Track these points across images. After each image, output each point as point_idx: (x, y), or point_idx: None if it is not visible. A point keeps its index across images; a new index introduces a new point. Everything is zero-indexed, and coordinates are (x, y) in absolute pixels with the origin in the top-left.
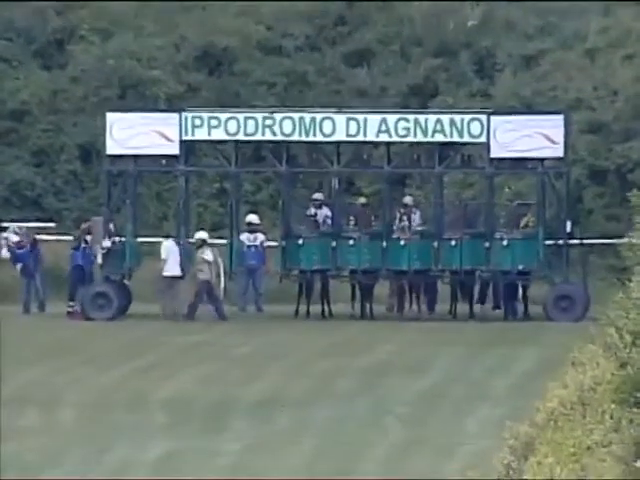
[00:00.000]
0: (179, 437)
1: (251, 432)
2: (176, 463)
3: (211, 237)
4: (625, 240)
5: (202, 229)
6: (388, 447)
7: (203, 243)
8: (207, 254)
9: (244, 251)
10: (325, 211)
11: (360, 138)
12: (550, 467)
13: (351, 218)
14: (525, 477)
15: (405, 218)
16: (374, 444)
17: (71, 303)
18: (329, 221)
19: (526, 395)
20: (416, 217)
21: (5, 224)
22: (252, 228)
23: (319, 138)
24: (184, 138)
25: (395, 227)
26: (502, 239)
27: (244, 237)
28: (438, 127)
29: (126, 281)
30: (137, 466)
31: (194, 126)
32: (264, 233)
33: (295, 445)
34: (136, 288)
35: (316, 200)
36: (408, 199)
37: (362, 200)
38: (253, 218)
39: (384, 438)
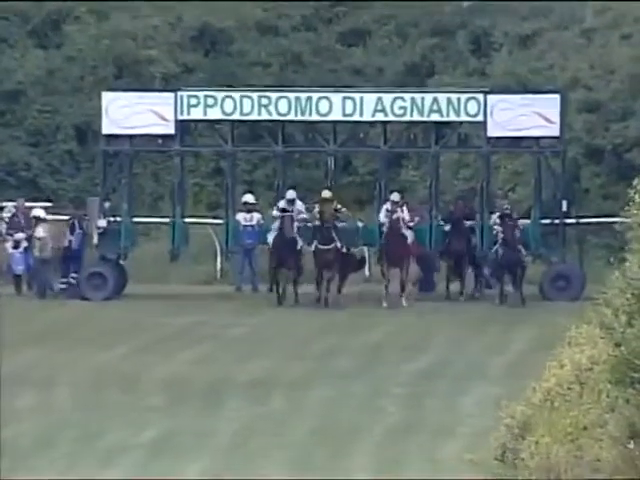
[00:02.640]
0: (175, 417)
1: (247, 412)
2: (172, 443)
3: (207, 217)
4: (627, 220)
5: (41, 208)
6: (385, 428)
7: (38, 220)
8: (39, 232)
9: (240, 231)
10: (299, 206)
11: (356, 118)
12: (547, 447)
13: (316, 211)
14: (522, 456)
15: (395, 215)
16: (371, 425)
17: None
18: (303, 216)
19: (523, 375)
20: (405, 214)
21: (3, 204)
22: (248, 208)
23: (315, 118)
24: (180, 117)
25: (382, 219)
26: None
27: (240, 217)
28: (435, 106)
29: (122, 261)
30: (133, 446)
31: (190, 105)
32: (260, 213)
33: (291, 425)
34: (132, 268)
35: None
36: (395, 196)
37: (326, 194)
38: (249, 198)
39: (381, 419)
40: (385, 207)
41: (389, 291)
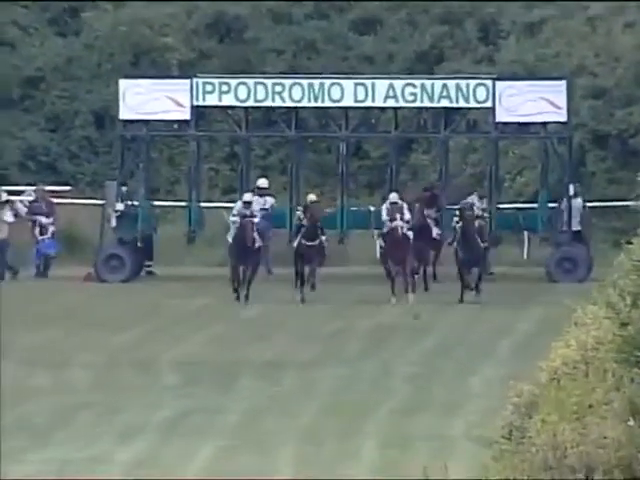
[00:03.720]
0: (190, 397)
1: (260, 392)
2: (187, 423)
3: (222, 200)
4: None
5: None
6: (394, 407)
7: (6, 203)
8: (7, 215)
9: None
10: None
11: (368, 103)
12: (553, 425)
13: (301, 214)
14: (529, 434)
15: (397, 216)
16: (380, 404)
17: None
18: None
19: (530, 354)
20: (405, 214)
21: (23, 188)
22: (262, 192)
23: (328, 104)
24: (195, 103)
25: (384, 217)
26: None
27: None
28: (444, 92)
29: (139, 244)
30: (148, 426)
31: (205, 92)
32: (273, 197)
33: (302, 405)
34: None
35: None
36: (394, 196)
37: (312, 197)
38: (262, 182)
39: (390, 398)
40: (385, 206)
41: (394, 289)
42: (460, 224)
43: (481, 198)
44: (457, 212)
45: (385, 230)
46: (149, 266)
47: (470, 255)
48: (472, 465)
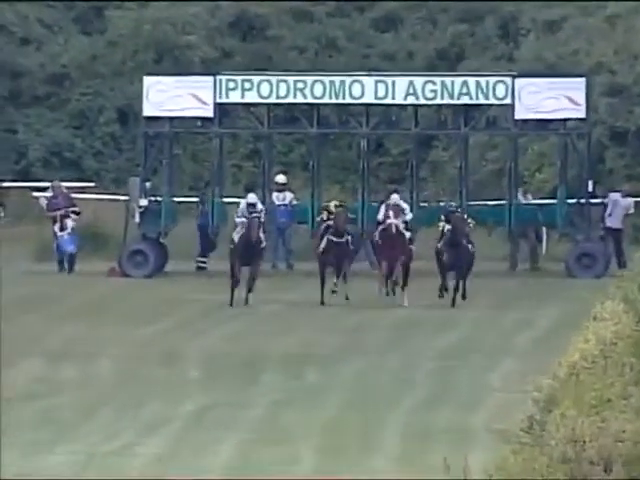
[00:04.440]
0: (213, 391)
1: (282, 386)
2: (210, 416)
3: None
4: None
5: None
6: (415, 400)
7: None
8: None
9: (274, 210)
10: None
11: (388, 101)
12: (572, 419)
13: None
14: (548, 428)
15: (391, 214)
16: (402, 397)
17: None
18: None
19: (549, 349)
20: (407, 215)
21: (47, 184)
22: (280, 188)
23: (349, 101)
24: (218, 101)
25: (381, 218)
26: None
27: (274, 196)
28: (464, 90)
29: (162, 239)
30: (172, 420)
31: (228, 89)
32: (292, 192)
33: (324, 399)
34: (172, 246)
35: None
36: (395, 197)
37: (334, 204)
38: (281, 178)
39: (411, 391)
40: (384, 206)
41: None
42: (448, 227)
43: (526, 194)
44: (443, 215)
45: (380, 227)
46: (203, 262)
47: (455, 260)
48: (492, 458)
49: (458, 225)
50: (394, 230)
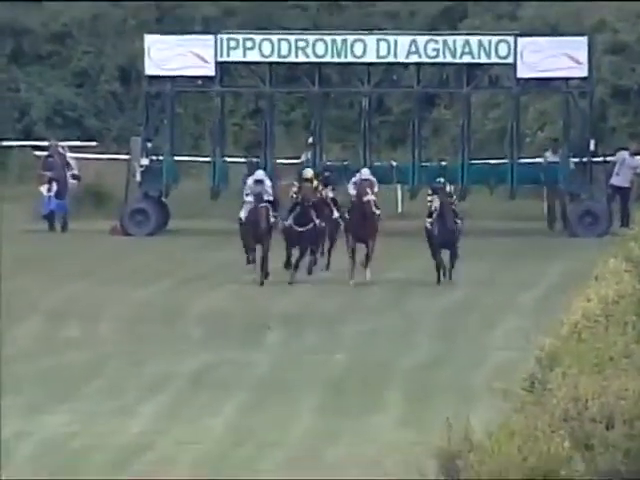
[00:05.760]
0: (215, 350)
1: (283, 345)
2: (212, 374)
3: (246, 156)
4: None
5: None
6: (415, 360)
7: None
8: None
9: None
10: (267, 186)
11: (390, 59)
12: (574, 377)
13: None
14: (550, 387)
15: (368, 190)
16: (402, 357)
17: None
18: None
19: (551, 308)
20: (375, 189)
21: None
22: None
23: (350, 59)
24: (220, 59)
25: (351, 191)
26: None
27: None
28: (466, 49)
29: (164, 198)
30: (175, 377)
31: (229, 48)
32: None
33: (325, 357)
34: (173, 205)
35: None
36: (365, 172)
37: (307, 174)
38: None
39: (412, 351)
40: (353, 180)
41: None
42: (436, 204)
43: (555, 152)
44: (430, 191)
45: (353, 203)
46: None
47: (444, 236)
48: (494, 417)
49: (445, 202)
50: (373, 208)
